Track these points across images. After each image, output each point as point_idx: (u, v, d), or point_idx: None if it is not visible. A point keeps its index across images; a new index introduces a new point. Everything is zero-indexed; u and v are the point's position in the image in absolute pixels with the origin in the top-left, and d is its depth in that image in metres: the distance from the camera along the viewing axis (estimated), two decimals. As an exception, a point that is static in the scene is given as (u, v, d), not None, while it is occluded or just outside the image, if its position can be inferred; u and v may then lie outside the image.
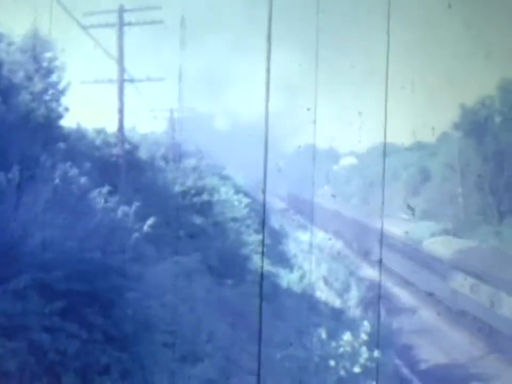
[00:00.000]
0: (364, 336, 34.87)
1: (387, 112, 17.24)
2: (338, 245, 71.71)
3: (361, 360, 32.93)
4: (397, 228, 58.64)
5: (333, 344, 32.98)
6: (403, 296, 53.64)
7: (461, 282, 46.86)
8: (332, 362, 31.70)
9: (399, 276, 56.75)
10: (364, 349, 33.65)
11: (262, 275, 20.44)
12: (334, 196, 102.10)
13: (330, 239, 67.81)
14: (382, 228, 43.69)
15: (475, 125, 77.51)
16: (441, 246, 52.92)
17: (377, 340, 33.56)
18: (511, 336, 39.35)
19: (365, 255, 63.31)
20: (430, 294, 51.11)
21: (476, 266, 45.86)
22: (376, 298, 42.87)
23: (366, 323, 37.13)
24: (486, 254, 50.33)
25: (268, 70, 10.27)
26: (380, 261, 49.12)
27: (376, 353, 32.86)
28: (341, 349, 32.94)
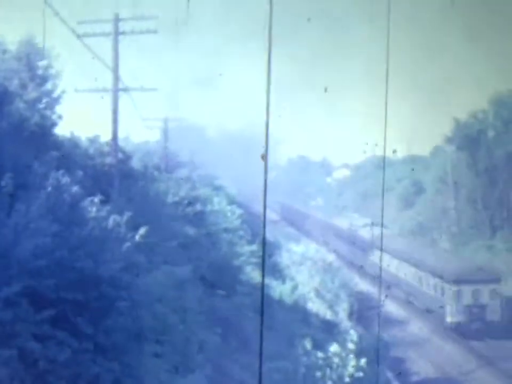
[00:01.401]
0: (351, 346, 35.04)
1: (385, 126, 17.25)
2: (331, 257, 72.92)
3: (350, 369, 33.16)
4: (344, 223, 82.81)
5: (322, 354, 33.03)
6: (346, 269, 71.20)
7: (376, 255, 66.30)
8: (320, 373, 31.76)
9: (343, 256, 78.20)
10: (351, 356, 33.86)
11: (262, 288, 20.20)
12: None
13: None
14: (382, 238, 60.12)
15: (468, 139, 77.71)
16: (367, 233, 72.15)
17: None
18: (406, 283, 61.56)
19: (324, 244, 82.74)
20: (361, 267, 70.64)
21: (386, 245, 63.12)
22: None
23: (352, 332, 37.39)
24: (393, 236, 69.37)
25: (268, 80, 10.22)
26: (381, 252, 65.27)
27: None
28: (329, 360, 33.04)
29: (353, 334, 37.22)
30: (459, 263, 58.04)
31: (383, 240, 64.44)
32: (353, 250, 77.19)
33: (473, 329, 51.89)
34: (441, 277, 54.90)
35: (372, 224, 73.34)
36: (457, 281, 52.87)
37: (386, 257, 64.58)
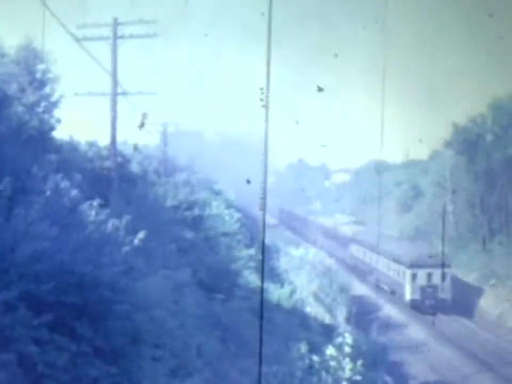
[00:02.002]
0: (347, 349, 35.07)
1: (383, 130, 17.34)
2: (329, 261, 73.59)
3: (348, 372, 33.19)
4: (328, 221, 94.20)
5: (318, 358, 33.00)
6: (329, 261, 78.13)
7: (354, 249, 79.48)
8: (318, 377, 31.74)
9: (327, 250, 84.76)
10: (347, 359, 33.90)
11: (262, 292, 20.18)
12: None
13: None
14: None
15: (467, 143, 77.67)
16: (345, 229, 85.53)
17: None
18: (377, 270, 71.24)
19: (321, 248, 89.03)
20: (342, 259, 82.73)
21: (362, 240, 76.36)
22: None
23: (347, 335, 37.44)
24: (365, 233, 79.04)
25: (268, 84, 10.27)
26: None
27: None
28: (326, 363, 33.02)
29: (348, 337, 37.25)
30: (415, 250, 68.01)
31: (359, 235, 79.92)
32: (346, 251, 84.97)
33: (427, 306, 62.54)
34: (401, 263, 65.58)
35: (352, 223, 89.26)
36: (413, 266, 63.69)
37: (361, 249, 76.78)
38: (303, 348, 33.01)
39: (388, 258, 68.92)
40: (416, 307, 63.31)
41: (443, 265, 63.63)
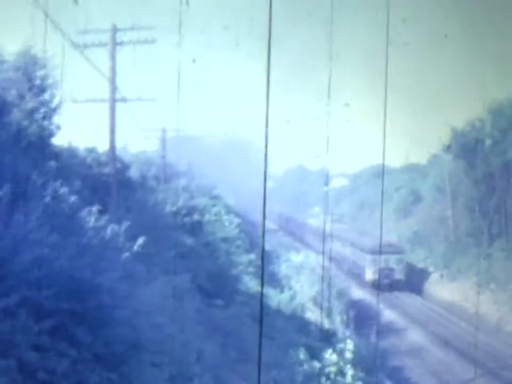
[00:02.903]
0: (348, 355, 35.02)
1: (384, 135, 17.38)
2: (328, 265, 74.03)
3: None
4: (315, 222, 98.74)
5: (319, 364, 32.96)
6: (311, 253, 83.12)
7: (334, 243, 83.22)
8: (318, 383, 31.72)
9: (311, 245, 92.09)
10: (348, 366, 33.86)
11: (261, 297, 20.14)
12: None
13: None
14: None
15: (465, 147, 77.57)
16: (327, 227, 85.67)
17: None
18: (348, 259, 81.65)
19: (301, 241, 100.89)
20: (324, 252, 78.91)
21: (340, 235, 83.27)
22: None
23: (349, 341, 37.41)
24: (344, 229, 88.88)
25: (268, 89, 10.28)
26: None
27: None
28: (327, 369, 32.97)
29: (350, 343, 37.24)
30: (375, 240, 76.47)
31: (335, 231, 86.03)
32: (316, 239, 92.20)
33: (384, 285, 73.30)
34: (364, 251, 76.94)
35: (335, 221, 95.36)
36: (373, 252, 73.87)
37: (338, 243, 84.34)
38: (303, 353, 32.99)
39: (356, 248, 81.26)
40: (375, 286, 73.54)
41: (399, 252, 77.25)
